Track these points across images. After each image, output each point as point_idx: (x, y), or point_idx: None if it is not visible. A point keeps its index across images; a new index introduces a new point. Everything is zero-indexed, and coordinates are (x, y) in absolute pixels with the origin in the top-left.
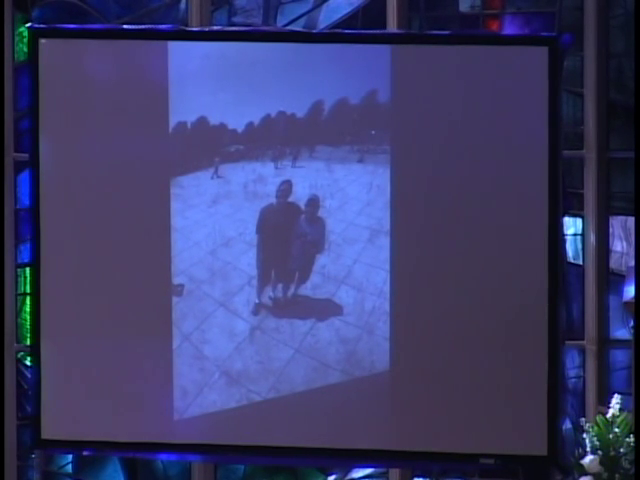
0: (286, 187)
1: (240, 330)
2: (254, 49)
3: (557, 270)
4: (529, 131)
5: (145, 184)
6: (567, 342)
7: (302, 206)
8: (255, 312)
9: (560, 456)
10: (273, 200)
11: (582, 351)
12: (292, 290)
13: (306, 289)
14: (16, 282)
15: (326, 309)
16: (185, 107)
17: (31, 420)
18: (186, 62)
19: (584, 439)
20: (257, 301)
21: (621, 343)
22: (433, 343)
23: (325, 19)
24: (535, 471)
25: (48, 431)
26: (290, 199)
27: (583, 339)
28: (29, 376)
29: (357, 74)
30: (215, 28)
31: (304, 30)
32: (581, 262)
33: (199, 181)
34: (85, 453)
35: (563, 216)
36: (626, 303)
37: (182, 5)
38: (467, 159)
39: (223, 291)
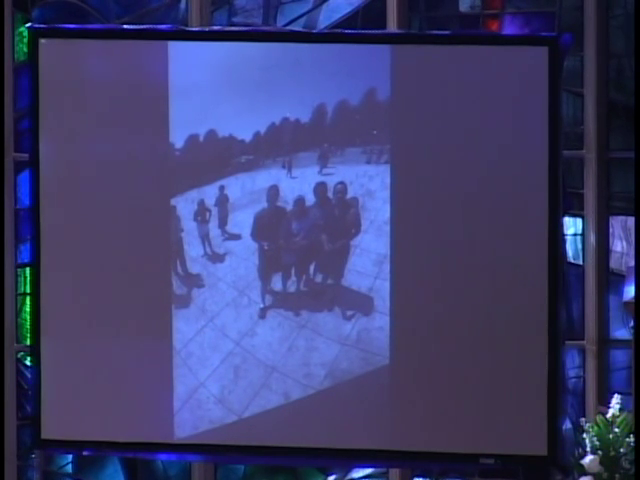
0: (285, 190)
1: (240, 330)
2: (254, 49)
3: (557, 270)
4: (529, 131)
5: (145, 184)
6: (567, 342)
7: (303, 208)
8: (255, 312)
9: (560, 456)
10: (275, 203)
11: (582, 351)
12: (292, 290)
13: (307, 289)
14: (16, 282)
15: (326, 308)
16: (185, 106)
17: (31, 420)
18: (186, 62)
19: (584, 439)
20: (257, 301)
21: (621, 343)
22: (433, 343)
23: (325, 19)
24: (535, 471)
25: (48, 431)
26: (292, 201)
27: (583, 339)
28: (29, 376)
29: (357, 74)
30: (215, 28)
31: (304, 30)
32: (581, 262)
33: (200, 181)
34: (85, 453)
35: (563, 216)
36: (626, 303)
37: (182, 5)
38: (467, 160)
39: (223, 291)
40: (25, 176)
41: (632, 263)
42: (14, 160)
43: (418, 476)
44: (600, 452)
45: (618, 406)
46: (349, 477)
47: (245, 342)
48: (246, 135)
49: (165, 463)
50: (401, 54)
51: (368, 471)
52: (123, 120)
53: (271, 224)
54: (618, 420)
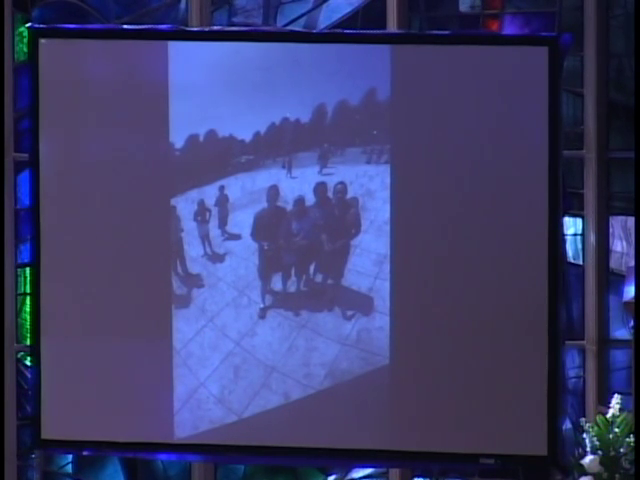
0: (285, 190)
1: (240, 330)
2: (254, 50)
3: (557, 270)
4: (529, 131)
5: (145, 184)
6: (567, 342)
7: (303, 208)
8: (255, 312)
9: (560, 456)
10: (275, 203)
11: (582, 351)
12: (292, 290)
13: (307, 289)
14: (16, 282)
15: (326, 308)
16: (185, 106)
17: (31, 420)
18: (186, 62)
19: (584, 439)
20: (257, 301)
21: (621, 343)
22: (432, 343)
23: (325, 19)
24: (535, 471)
25: (48, 431)
26: (292, 201)
27: (583, 339)
28: (29, 376)
29: (357, 74)
30: (215, 28)
31: (304, 30)
32: (581, 262)
33: (200, 181)
34: (85, 453)
35: (563, 216)
36: (626, 303)
37: (182, 5)
38: (467, 160)
39: (223, 291)
40: (25, 176)
41: (632, 263)
42: (14, 160)
43: (418, 476)
44: (600, 452)
45: (618, 406)
46: (349, 477)
47: (245, 342)
48: (246, 135)
49: (165, 463)
50: (401, 54)
51: (368, 471)
52: (123, 120)
53: (271, 224)
54: (618, 420)
